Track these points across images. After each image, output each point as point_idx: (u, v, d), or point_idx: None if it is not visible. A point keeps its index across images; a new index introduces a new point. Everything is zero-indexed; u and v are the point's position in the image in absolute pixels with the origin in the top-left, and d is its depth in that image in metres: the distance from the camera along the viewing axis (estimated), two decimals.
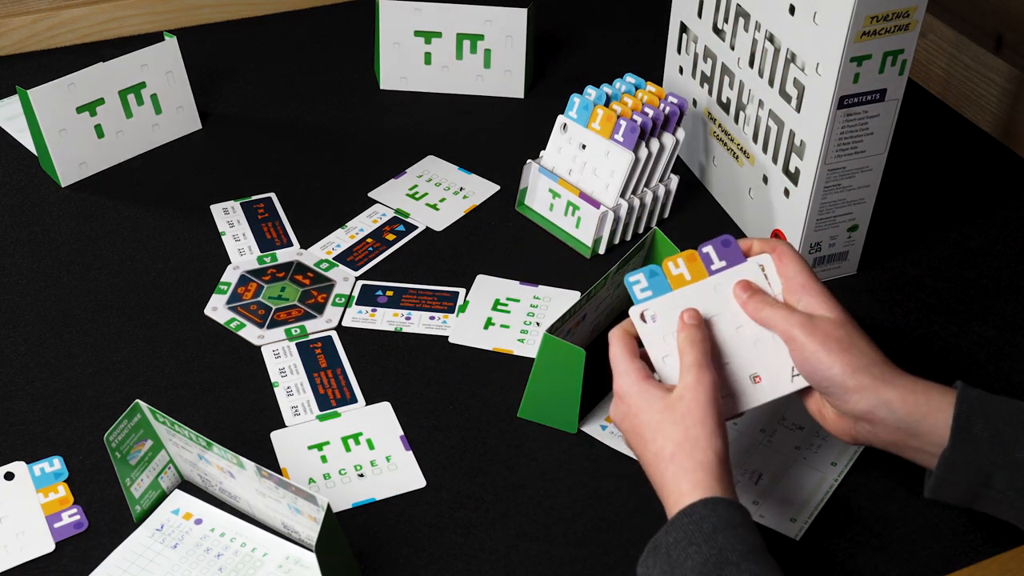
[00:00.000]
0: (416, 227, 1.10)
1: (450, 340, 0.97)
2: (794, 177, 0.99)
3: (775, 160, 1.01)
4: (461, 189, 1.14)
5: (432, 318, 0.99)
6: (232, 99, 1.28)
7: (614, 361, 0.78)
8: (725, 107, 1.09)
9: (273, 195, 1.13)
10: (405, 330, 0.98)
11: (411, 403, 0.91)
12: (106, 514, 0.82)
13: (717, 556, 0.67)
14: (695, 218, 1.12)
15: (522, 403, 0.90)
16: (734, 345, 0.78)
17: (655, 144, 1.04)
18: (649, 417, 0.75)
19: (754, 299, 0.78)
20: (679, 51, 1.16)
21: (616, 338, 0.79)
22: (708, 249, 0.79)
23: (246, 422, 0.90)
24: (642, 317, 0.78)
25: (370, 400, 0.92)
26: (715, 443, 0.73)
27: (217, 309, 0.99)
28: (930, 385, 0.75)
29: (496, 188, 1.15)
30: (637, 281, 0.79)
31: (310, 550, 0.78)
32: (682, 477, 0.72)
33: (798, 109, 0.96)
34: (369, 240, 1.08)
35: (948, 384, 0.75)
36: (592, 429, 0.89)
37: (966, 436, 0.72)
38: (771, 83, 1.00)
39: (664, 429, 0.74)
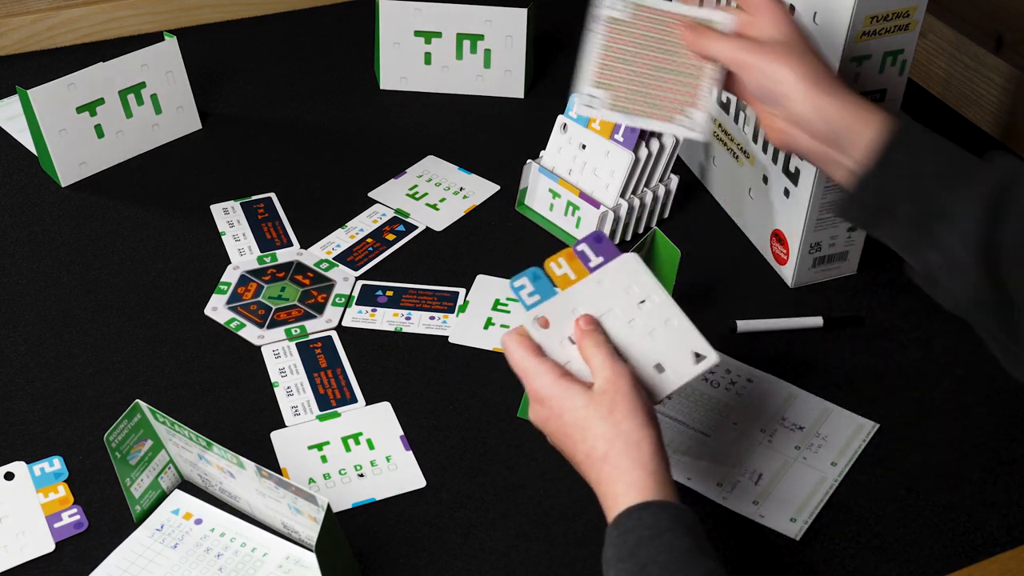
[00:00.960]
0: (416, 227, 1.10)
1: (450, 340, 0.97)
2: (794, 177, 0.99)
3: (775, 160, 1.01)
4: (461, 189, 1.14)
5: (432, 318, 0.99)
6: (232, 99, 1.28)
7: (520, 364, 0.75)
8: (725, 107, 1.09)
9: (273, 195, 1.13)
10: (405, 330, 0.98)
11: (411, 403, 0.91)
12: (106, 514, 0.82)
13: (639, 572, 0.66)
14: (695, 218, 1.12)
15: (522, 403, 0.90)
16: (631, 339, 0.77)
17: (655, 144, 1.04)
18: (574, 416, 0.72)
19: (700, 37, 0.82)
20: None
21: (514, 343, 0.76)
22: (582, 247, 0.79)
23: (246, 422, 0.90)
24: (537, 323, 0.77)
25: (370, 400, 0.92)
26: (648, 434, 0.71)
27: (217, 309, 0.99)
28: (868, 104, 0.77)
29: (496, 188, 1.15)
30: (523, 286, 0.78)
31: (310, 550, 0.78)
32: (617, 477, 0.70)
33: None
34: (369, 240, 1.08)
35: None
36: None
37: (885, 159, 0.75)
38: None
39: (592, 427, 0.72)
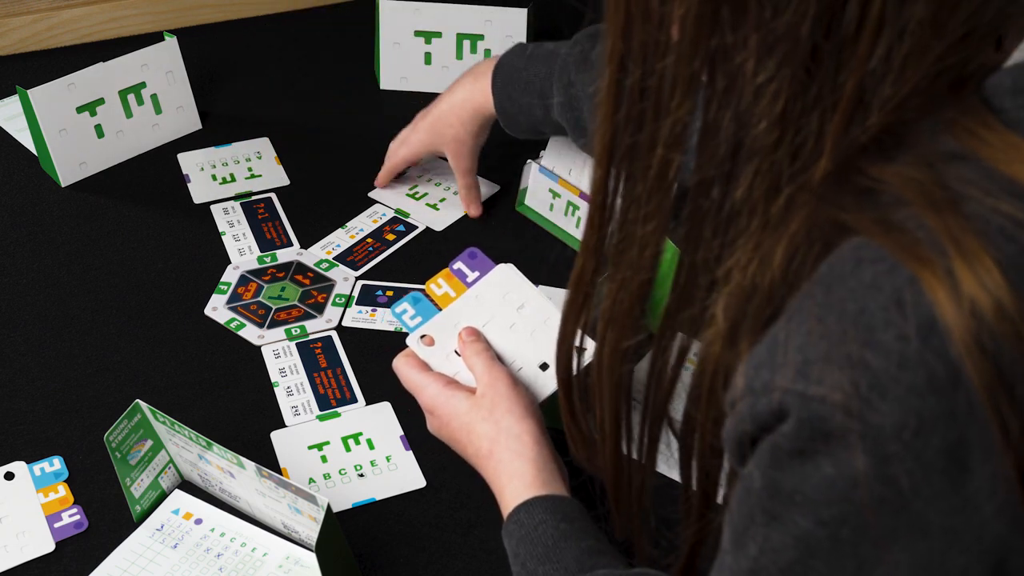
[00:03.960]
0: (416, 227, 1.10)
1: None
2: None
3: None
4: None
5: None
6: (232, 99, 1.28)
7: (410, 381, 0.82)
8: None
9: (273, 195, 1.13)
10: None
11: (411, 403, 0.91)
12: (106, 514, 0.82)
13: (521, 570, 0.72)
14: None
15: None
16: (514, 343, 0.82)
17: None
18: (459, 421, 0.78)
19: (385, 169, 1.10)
20: None
21: (401, 363, 0.83)
22: (459, 265, 0.85)
23: (246, 422, 0.90)
24: (421, 342, 0.83)
25: (370, 400, 0.92)
26: (528, 426, 0.76)
27: (217, 309, 0.99)
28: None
29: (496, 188, 1.15)
30: (404, 311, 0.83)
31: (310, 550, 0.78)
32: (501, 471, 0.76)
33: None
34: (369, 240, 1.08)
35: None
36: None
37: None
38: None
39: (476, 428, 0.77)
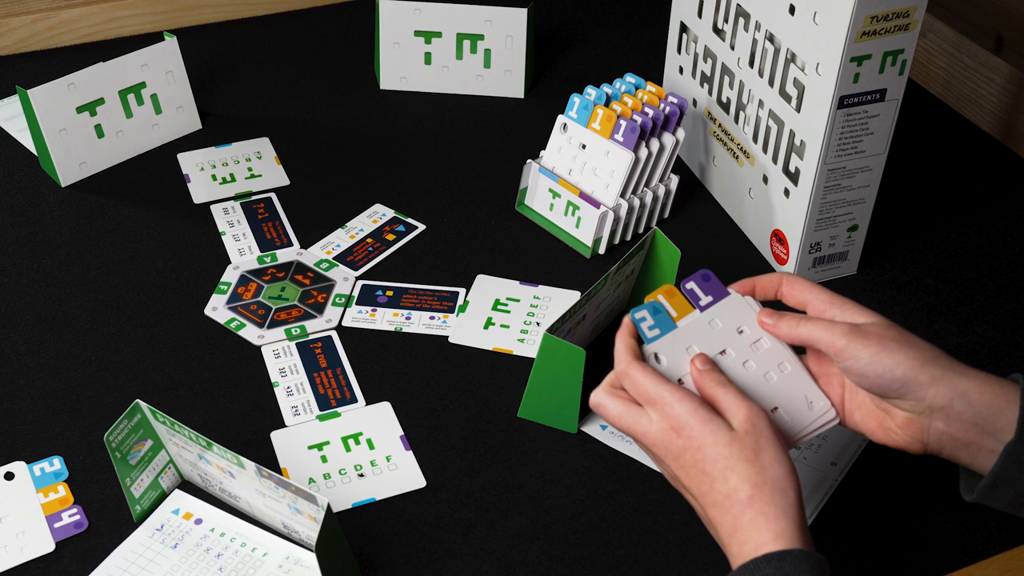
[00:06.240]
0: (416, 227, 1.10)
1: (450, 340, 0.97)
2: (794, 177, 0.99)
3: (775, 160, 1.01)
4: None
5: (432, 318, 0.99)
6: (232, 99, 1.28)
7: (654, 390, 0.72)
8: (725, 107, 1.09)
9: (273, 195, 1.13)
10: (405, 330, 0.98)
11: (411, 403, 0.91)
12: (106, 514, 0.82)
13: None
14: (695, 218, 1.12)
15: (522, 403, 0.90)
16: (746, 382, 0.75)
17: (655, 144, 1.04)
18: (716, 452, 0.68)
19: (785, 320, 0.75)
20: (679, 51, 1.16)
21: (641, 371, 0.73)
22: (691, 285, 0.77)
23: (246, 422, 0.90)
24: (654, 357, 0.75)
25: (370, 400, 0.92)
26: (794, 482, 0.68)
27: (217, 309, 0.99)
28: (1000, 379, 0.71)
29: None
30: (643, 319, 0.75)
31: (310, 550, 0.78)
32: (763, 525, 0.66)
33: (798, 109, 0.96)
34: (369, 240, 1.08)
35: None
36: (592, 429, 0.89)
37: None
38: (771, 83, 1.00)
39: (737, 467, 0.68)
